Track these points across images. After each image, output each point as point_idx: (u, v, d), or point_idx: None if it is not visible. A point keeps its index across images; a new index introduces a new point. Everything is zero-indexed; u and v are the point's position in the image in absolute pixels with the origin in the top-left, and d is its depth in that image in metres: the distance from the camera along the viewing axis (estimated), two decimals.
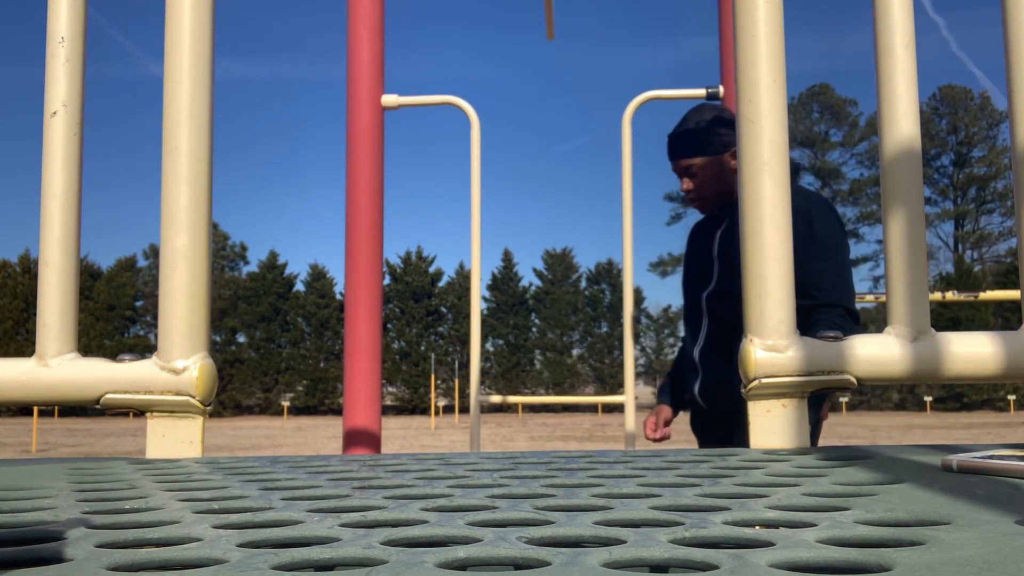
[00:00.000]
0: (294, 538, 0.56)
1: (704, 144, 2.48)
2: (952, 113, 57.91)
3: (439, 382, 51.22)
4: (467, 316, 18.60)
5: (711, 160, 2.48)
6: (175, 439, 1.27)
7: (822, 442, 2.41)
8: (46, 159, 1.31)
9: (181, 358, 1.27)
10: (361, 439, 2.99)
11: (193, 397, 1.27)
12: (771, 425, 1.25)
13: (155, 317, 17.60)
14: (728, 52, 3.50)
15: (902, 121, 1.29)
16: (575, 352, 55.24)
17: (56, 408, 33.59)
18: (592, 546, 0.51)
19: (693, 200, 2.58)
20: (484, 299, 54.28)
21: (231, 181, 76.39)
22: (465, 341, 50.65)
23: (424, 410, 49.22)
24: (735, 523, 0.59)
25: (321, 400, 52.33)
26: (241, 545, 0.53)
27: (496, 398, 4.22)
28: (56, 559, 0.51)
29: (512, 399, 4.41)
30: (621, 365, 4.32)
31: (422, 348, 54.71)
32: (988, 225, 58.64)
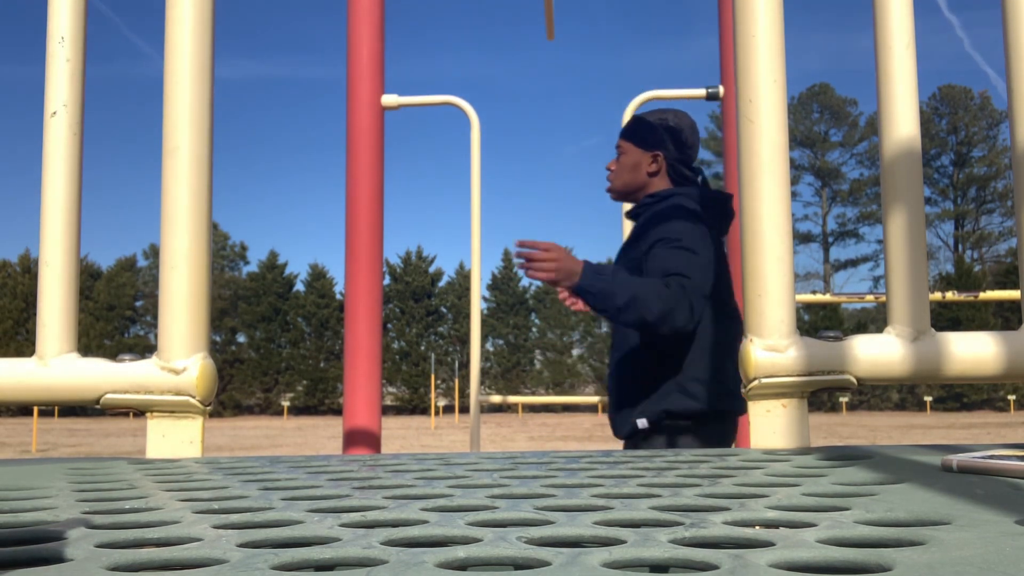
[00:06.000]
0: (294, 538, 0.56)
1: (639, 134, 2.58)
2: (952, 113, 57.93)
3: (439, 382, 51.20)
4: (467, 316, 18.60)
5: (635, 151, 2.57)
6: (175, 439, 1.27)
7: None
8: (46, 159, 1.31)
9: (181, 358, 1.27)
10: (361, 439, 3.00)
11: (193, 397, 1.27)
12: (771, 425, 1.25)
13: (155, 317, 17.58)
14: (728, 52, 3.50)
15: (902, 121, 1.29)
16: (575, 352, 55.25)
17: (56, 408, 33.60)
18: (592, 546, 0.51)
19: (608, 181, 2.65)
20: (484, 299, 54.29)
21: (231, 181, 76.47)
22: (465, 341, 50.62)
23: (424, 410, 49.21)
24: (735, 523, 0.59)
25: (321, 400, 52.32)
26: (241, 545, 0.53)
27: (496, 398, 4.25)
28: (56, 559, 0.51)
29: (512, 399, 4.43)
30: None
31: (422, 348, 54.71)
32: (988, 225, 58.69)
